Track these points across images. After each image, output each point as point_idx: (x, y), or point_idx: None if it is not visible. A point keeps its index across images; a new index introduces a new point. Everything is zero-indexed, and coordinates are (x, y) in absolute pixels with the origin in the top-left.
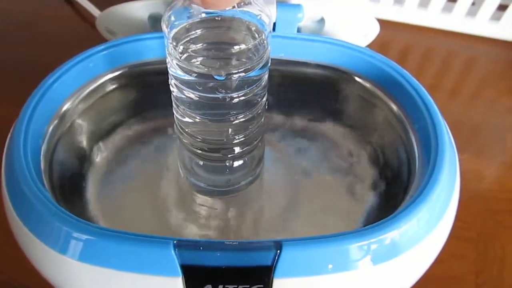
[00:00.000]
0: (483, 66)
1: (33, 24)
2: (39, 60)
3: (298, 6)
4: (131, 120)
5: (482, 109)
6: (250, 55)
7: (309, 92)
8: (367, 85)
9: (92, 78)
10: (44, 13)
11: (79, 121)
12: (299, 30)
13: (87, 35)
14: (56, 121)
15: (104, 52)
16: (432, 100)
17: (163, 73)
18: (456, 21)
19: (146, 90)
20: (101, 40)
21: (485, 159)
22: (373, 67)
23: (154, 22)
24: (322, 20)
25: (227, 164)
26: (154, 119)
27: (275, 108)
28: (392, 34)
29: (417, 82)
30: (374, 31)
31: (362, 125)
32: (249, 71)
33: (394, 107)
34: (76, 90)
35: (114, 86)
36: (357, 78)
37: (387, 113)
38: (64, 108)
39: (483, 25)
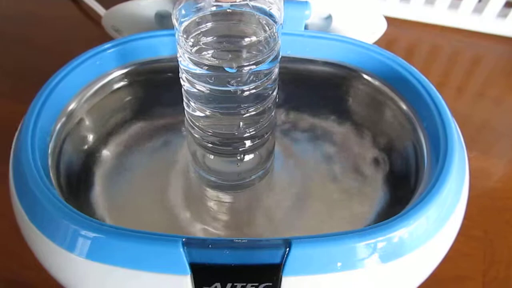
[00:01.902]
0: (489, 63)
1: (39, 22)
2: (45, 58)
3: (305, 3)
4: (138, 117)
5: (489, 106)
6: (261, 47)
7: (317, 89)
8: (376, 82)
9: (99, 76)
10: (49, 12)
11: (86, 119)
12: (306, 27)
13: (93, 33)
14: (63, 119)
15: (111, 50)
16: (441, 98)
17: (171, 70)
18: (463, 18)
19: (153, 87)
20: (107, 38)
21: (492, 157)
22: (381, 65)
23: (161, 20)
24: (329, 17)
25: (238, 157)
26: (161, 117)
27: (282, 105)
28: (398, 31)
29: (426, 79)
30: (381, 28)
31: (371, 122)
32: (260, 63)
33: (403, 105)
34: (83, 88)
35: (121, 84)
36: (365, 76)
37: (395, 111)
38: (71, 106)
39: (489, 22)
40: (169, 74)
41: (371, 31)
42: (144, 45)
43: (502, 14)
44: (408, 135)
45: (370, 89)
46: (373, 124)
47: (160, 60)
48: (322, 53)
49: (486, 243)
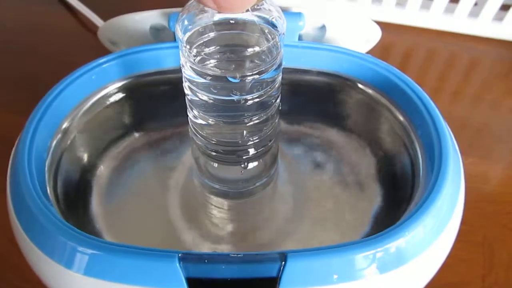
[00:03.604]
0: (486, 67)
1: (36, 34)
2: (42, 69)
3: (299, 14)
4: (134, 130)
5: (487, 110)
6: (264, 57)
7: (312, 100)
8: (370, 92)
9: (95, 90)
10: (47, 23)
11: (82, 133)
12: (300, 38)
13: (90, 44)
14: (60, 135)
15: (106, 64)
16: (435, 106)
17: (167, 83)
18: (459, 22)
19: (149, 100)
20: (104, 49)
21: (490, 161)
22: (375, 74)
23: (156, 33)
24: (323, 27)
25: (242, 165)
26: (159, 129)
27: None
28: (394, 36)
29: (419, 88)
30: (376, 36)
31: (366, 132)
32: (263, 73)
33: (398, 113)
34: (78, 103)
35: (116, 98)
36: (360, 85)
37: (390, 120)
38: (67, 121)
39: (485, 26)
40: (165, 87)
41: (366, 39)
42: (139, 58)
43: (498, 18)
44: (403, 144)
45: (365, 98)
46: (369, 133)
47: (155, 72)
48: (317, 63)
49: (485, 247)
